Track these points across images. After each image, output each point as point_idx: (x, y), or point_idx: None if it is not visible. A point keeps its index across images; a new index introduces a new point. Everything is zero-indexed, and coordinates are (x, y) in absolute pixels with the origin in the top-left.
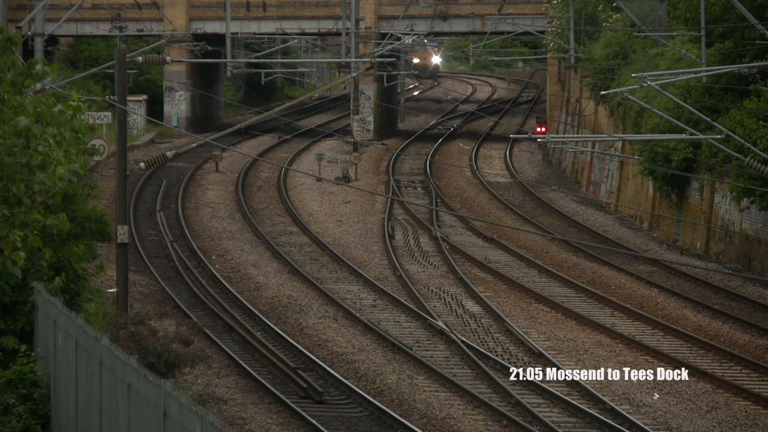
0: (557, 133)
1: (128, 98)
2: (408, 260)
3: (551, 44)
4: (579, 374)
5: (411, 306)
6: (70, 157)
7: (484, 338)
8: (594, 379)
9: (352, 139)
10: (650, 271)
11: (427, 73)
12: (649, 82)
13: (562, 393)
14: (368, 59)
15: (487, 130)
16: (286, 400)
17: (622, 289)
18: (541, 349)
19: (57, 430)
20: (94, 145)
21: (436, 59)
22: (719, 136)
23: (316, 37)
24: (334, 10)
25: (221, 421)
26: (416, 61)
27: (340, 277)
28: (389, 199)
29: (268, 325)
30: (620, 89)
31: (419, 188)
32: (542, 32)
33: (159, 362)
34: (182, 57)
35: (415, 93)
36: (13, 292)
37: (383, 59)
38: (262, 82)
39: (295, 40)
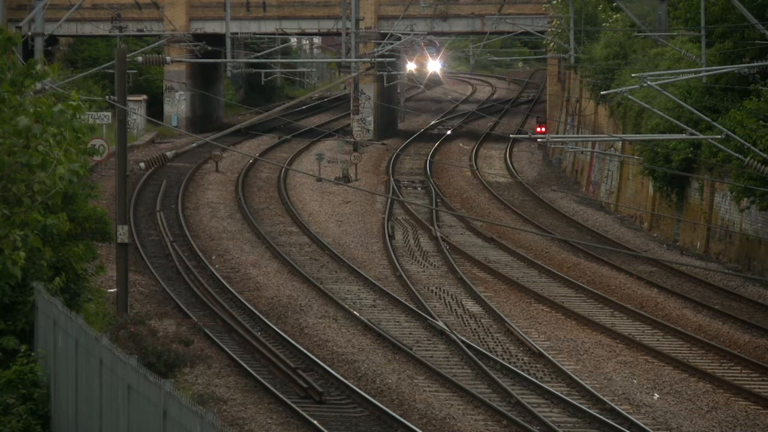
0: (557, 133)
1: (128, 98)
2: (408, 260)
3: (551, 44)
4: (579, 374)
5: (411, 306)
6: (70, 157)
7: (484, 338)
8: (594, 379)
9: (352, 139)
10: (650, 271)
11: (424, 81)
12: (649, 82)
13: (562, 393)
14: (368, 59)
15: (487, 130)
16: (286, 400)
17: (622, 289)
18: (541, 349)
19: (57, 430)
20: (94, 145)
21: (434, 65)
22: (719, 136)
23: (316, 37)
24: (334, 10)
25: (221, 421)
26: (411, 67)
27: (340, 277)
28: (389, 199)
29: (268, 325)
30: (620, 89)
31: (419, 188)
32: (542, 32)
33: (159, 362)
34: (182, 57)
35: (416, 92)
36: (13, 292)
37: (383, 59)
38: (262, 82)
39: (295, 40)
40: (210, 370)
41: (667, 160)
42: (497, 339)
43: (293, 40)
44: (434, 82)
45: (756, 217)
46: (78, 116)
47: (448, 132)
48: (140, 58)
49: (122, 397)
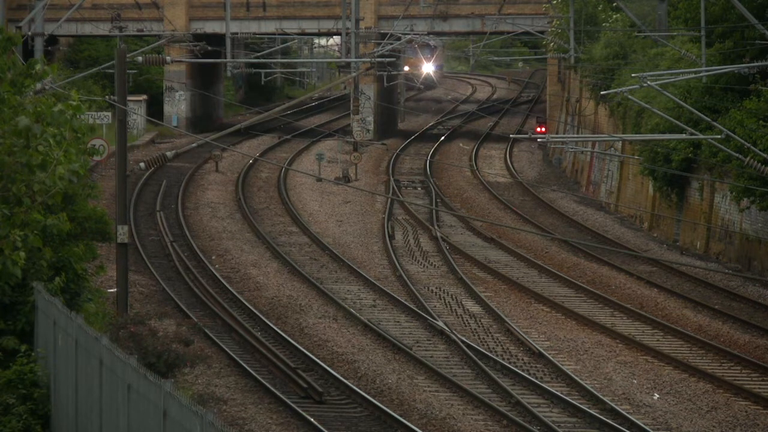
0: (557, 133)
1: (128, 98)
2: (408, 260)
3: (551, 44)
4: (579, 374)
5: (411, 306)
6: (70, 156)
7: (484, 338)
8: (594, 379)
9: (352, 139)
10: (650, 271)
11: (419, 83)
12: (649, 82)
13: (562, 393)
14: (368, 59)
15: (487, 130)
16: (286, 400)
17: (622, 289)
18: (541, 349)
19: (57, 430)
20: (94, 145)
21: (428, 68)
22: (719, 136)
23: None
24: (334, 10)
25: (221, 421)
26: (406, 69)
27: (340, 277)
28: (389, 199)
29: (268, 325)
30: (620, 89)
31: (419, 188)
32: (542, 32)
33: (159, 362)
34: (182, 57)
35: (416, 92)
36: (13, 292)
37: (383, 59)
38: (262, 82)
39: (295, 41)
40: (210, 370)
41: (667, 160)
42: (497, 339)
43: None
44: (430, 84)
45: (756, 217)
46: (78, 116)
47: (442, 138)
48: (140, 58)
49: (122, 397)
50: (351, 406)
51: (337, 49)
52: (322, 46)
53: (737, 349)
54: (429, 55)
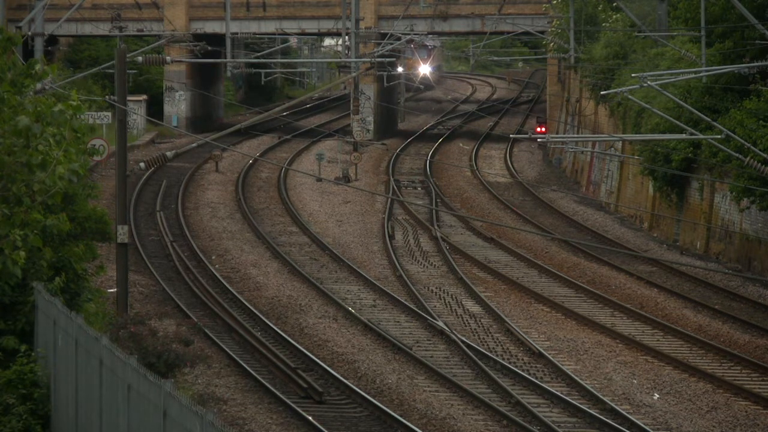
0: (557, 133)
1: (128, 98)
2: (408, 260)
3: (551, 44)
4: (579, 374)
5: (411, 306)
6: (70, 156)
7: (484, 338)
8: (594, 379)
9: (352, 139)
10: (650, 271)
11: (416, 84)
12: (649, 82)
13: (562, 393)
14: (368, 59)
15: (487, 130)
16: (286, 400)
17: (622, 289)
18: (541, 349)
19: (57, 430)
20: (94, 145)
21: (425, 69)
22: (719, 136)
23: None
24: (334, 10)
25: (221, 421)
26: (399, 69)
27: (340, 277)
28: (389, 199)
29: (268, 325)
30: (620, 89)
31: (419, 188)
32: (542, 32)
33: (159, 362)
34: (182, 57)
35: (416, 92)
36: (13, 292)
37: (383, 59)
38: (262, 82)
39: (295, 40)
40: (210, 370)
41: (667, 160)
42: (497, 339)
43: (293, 39)
44: (428, 84)
45: (756, 217)
46: (78, 116)
47: (442, 138)
48: (140, 58)
49: (122, 397)
50: (351, 406)
51: (340, 49)
52: (324, 46)
53: (737, 349)
54: (426, 56)
